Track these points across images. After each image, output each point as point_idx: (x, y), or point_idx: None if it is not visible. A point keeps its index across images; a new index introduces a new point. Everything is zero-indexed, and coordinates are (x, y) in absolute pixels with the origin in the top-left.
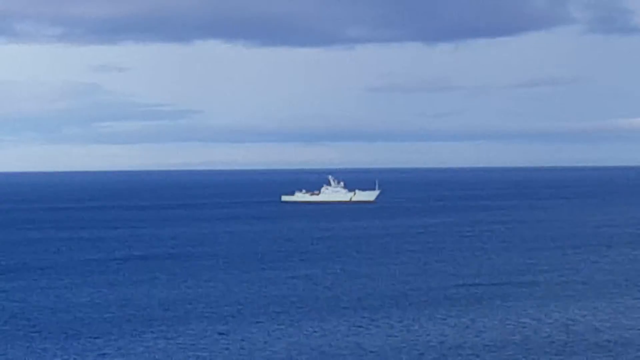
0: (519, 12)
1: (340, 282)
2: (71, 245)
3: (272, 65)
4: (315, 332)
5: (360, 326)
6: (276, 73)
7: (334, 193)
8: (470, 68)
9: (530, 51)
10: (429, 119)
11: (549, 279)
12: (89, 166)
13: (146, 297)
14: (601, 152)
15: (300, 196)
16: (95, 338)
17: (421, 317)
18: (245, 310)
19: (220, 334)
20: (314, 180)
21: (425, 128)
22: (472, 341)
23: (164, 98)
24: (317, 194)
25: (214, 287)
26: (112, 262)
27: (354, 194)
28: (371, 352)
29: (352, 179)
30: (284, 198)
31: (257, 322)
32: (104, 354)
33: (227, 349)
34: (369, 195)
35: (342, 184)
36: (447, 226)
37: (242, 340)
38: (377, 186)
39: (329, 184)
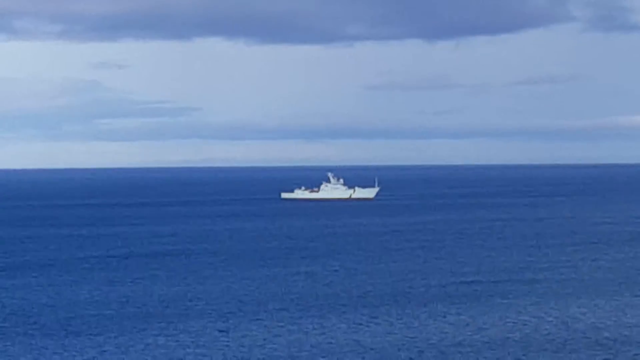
0: (519, 9)
1: (339, 280)
2: (71, 243)
3: (272, 63)
4: (314, 329)
5: (359, 323)
6: (276, 71)
7: (333, 190)
8: (470, 66)
9: (530, 49)
10: (429, 116)
11: (549, 276)
12: (89, 163)
13: (146, 295)
14: (601, 150)
15: (299, 193)
16: (95, 335)
17: (421, 315)
18: (245, 307)
19: (220, 331)
20: (314, 177)
21: (425, 126)
22: (471, 339)
23: (164, 95)
24: (317, 191)
25: (214, 284)
26: (112, 259)
27: (354, 191)
28: (371, 349)
29: (352, 177)
30: (284, 195)
31: (257, 320)
32: (104, 351)
33: (226, 346)
34: (369, 193)
35: (341, 181)
36: (446, 224)
37: (242, 337)
38: (376, 183)
39: (328, 181)
